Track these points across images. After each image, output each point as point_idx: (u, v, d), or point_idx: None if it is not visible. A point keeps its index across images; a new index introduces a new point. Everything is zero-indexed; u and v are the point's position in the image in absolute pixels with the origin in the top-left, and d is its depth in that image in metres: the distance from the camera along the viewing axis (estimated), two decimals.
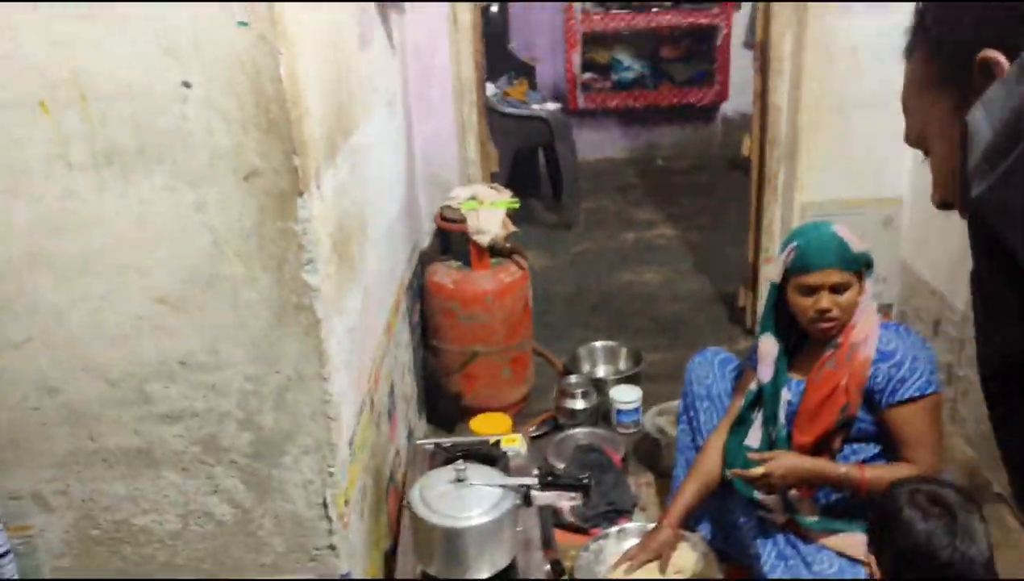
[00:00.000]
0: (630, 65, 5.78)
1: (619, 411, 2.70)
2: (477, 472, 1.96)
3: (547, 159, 4.98)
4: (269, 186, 1.38)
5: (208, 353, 1.48)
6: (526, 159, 4.83)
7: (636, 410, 2.70)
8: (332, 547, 1.63)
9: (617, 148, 6.00)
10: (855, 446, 1.90)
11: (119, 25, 1.28)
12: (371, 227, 2.02)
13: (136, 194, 1.37)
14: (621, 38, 5.73)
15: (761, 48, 2.97)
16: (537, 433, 2.65)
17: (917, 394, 1.81)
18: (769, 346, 1.97)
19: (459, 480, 1.91)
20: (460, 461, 1.95)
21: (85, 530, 1.60)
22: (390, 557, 2.02)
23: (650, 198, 5.29)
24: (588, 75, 5.75)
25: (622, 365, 3.10)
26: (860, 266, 1.85)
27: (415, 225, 2.74)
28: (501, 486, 1.91)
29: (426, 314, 2.74)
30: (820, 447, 1.90)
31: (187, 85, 1.31)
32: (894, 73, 3.15)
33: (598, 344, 3.16)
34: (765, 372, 1.97)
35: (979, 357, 0.76)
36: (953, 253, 2.56)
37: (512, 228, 2.62)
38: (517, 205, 2.64)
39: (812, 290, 1.84)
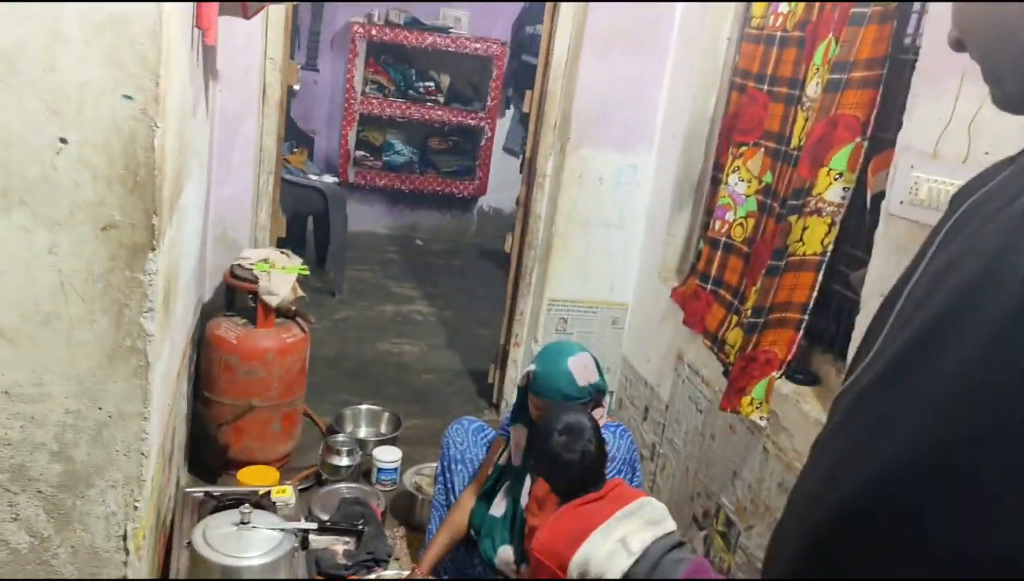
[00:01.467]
0: (401, 149, 6.22)
1: (380, 469, 2.94)
2: (259, 516, 2.13)
3: (316, 226, 5.17)
4: (124, 239, 1.53)
5: (33, 385, 1.55)
6: (296, 223, 4.99)
7: (395, 469, 2.96)
8: (124, 579, 1.72)
9: (381, 224, 6.34)
10: None
11: (11, 78, 1.39)
12: (180, 281, 2.15)
13: None
14: (395, 124, 6.15)
15: (529, 164, 3.49)
16: (303, 486, 2.81)
17: None
18: (520, 435, 2.25)
19: (243, 522, 2.07)
20: (246, 505, 2.11)
21: None
22: None
23: (408, 275, 5.66)
24: (361, 152, 6.08)
25: (383, 428, 3.36)
26: (585, 397, 2.08)
27: (202, 280, 2.84)
28: (282, 530, 2.10)
29: (202, 366, 2.81)
30: None
31: (63, 141, 1.44)
32: (629, 202, 3.99)
33: (362, 407, 3.40)
34: (516, 457, 2.27)
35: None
36: (662, 355, 3.17)
37: (300, 293, 2.82)
38: (308, 273, 2.85)
39: (542, 407, 2.12)
